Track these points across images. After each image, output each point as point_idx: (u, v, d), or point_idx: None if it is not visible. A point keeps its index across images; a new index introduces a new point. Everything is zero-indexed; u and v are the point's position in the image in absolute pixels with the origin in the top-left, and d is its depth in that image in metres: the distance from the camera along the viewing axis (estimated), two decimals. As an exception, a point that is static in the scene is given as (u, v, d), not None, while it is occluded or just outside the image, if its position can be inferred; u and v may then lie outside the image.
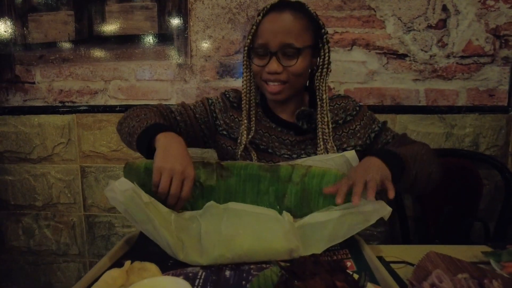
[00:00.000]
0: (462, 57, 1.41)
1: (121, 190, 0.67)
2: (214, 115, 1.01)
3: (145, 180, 0.76)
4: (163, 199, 0.72)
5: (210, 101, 1.02)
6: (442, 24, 1.39)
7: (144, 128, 0.81)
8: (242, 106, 0.96)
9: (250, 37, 0.90)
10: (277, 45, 0.86)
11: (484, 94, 1.43)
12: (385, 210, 0.70)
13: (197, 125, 1.00)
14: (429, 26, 1.39)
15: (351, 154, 0.85)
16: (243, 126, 0.95)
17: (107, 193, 0.68)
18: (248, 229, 0.68)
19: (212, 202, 0.70)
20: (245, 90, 0.96)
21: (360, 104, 1.01)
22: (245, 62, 0.94)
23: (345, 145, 0.97)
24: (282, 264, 0.55)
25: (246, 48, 0.92)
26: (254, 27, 0.89)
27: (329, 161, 0.84)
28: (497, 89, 1.43)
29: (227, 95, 1.03)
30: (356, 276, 0.54)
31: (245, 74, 0.95)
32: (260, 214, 0.70)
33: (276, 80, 0.89)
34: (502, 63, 1.40)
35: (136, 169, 0.78)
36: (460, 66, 1.42)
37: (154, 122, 0.83)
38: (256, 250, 0.68)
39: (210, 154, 1.54)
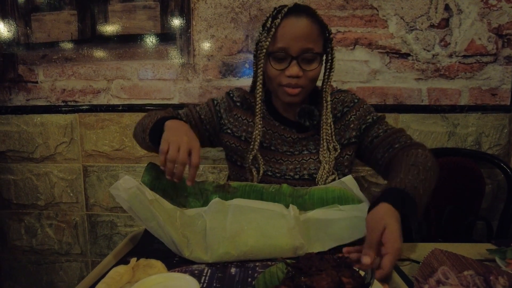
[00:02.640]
0: (464, 56, 1.41)
1: (125, 188, 0.68)
2: (219, 114, 1.03)
3: (160, 183, 0.82)
4: (171, 169, 0.74)
5: (215, 101, 1.04)
6: (444, 24, 1.40)
7: (154, 121, 0.88)
8: (256, 110, 0.94)
9: (269, 40, 0.87)
10: (298, 50, 0.87)
11: (486, 93, 1.43)
12: None
13: (201, 125, 1.03)
14: (432, 26, 1.40)
15: (348, 179, 0.86)
16: (256, 131, 0.94)
17: (112, 191, 0.68)
18: (252, 225, 0.68)
19: (217, 199, 0.71)
20: (259, 94, 0.93)
21: (359, 98, 1.01)
22: (261, 65, 0.91)
23: (342, 139, 0.97)
24: (288, 261, 0.55)
25: (263, 51, 0.88)
26: (273, 29, 0.87)
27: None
28: (500, 88, 1.43)
29: (231, 95, 1.04)
30: (362, 273, 0.54)
31: (259, 77, 0.92)
32: (265, 210, 0.70)
33: (296, 84, 0.89)
34: (505, 62, 1.40)
35: (155, 171, 0.84)
36: (462, 65, 1.42)
37: (162, 116, 0.90)
38: (260, 247, 0.68)
39: (213, 154, 1.54)
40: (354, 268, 0.53)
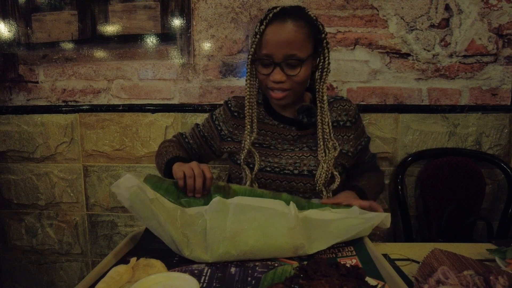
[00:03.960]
0: (465, 56, 1.41)
1: (126, 186, 0.68)
2: (219, 128, 1.08)
3: (162, 184, 0.81)
4: (192, 185, 0.80)
5: (214, 116, 1.11)
6: (444, 23, 1.40)
7: (165, 163, 0.96)
8: (245, 111, 0.98)
9: (254, 46, 0.91)
10: (281, 56, 0.88)
11: (487, 93, 1.43)
12: (383, 215, 0.74)
13: (205, 143, 1.12)
14: (432, 25, 1.40)
15: None
16: (246, 132, 0.98)
17: (113, 189, 0.69)
18: (253, 224, 0.68)
19: (218, 198, 0.71)
20: (248, 96, 0.97)
21: (357, 112, 1.06)
22: (248, 69, 0.96)
23: (340, 147, 1.00)
24: (305, 263, 0.56)
25: (250, 56, 0.93)
26: (258, 36, 0.90)
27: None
28: (500, 88, 1.43)
29: (229, 105, 1.08)
30: (374, 281, 0.53)
31: (248, 80, 0.97)
32: (266, 208, 0.70)
33: (280, 89, 0.92)
34: (505, 62, 1.40)
35: (156, 178, 0.83)
36: (463, 65, 1.42)
37: (171, 156, 0.97)
38: (260, 247, 0.68)
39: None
40: (366, 281, 0.52)
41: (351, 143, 1.02)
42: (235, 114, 1.05)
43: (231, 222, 0.68)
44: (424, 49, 1.41)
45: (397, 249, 0.80)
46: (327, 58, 0.94)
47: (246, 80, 0.97)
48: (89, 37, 1.53)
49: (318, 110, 0.96)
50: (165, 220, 0.67)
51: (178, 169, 0.85)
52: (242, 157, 0.98)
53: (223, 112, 1.09)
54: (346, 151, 1.02)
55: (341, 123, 1.01)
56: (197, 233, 0.69)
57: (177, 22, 1.48)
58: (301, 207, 0.81)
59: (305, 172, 0.96)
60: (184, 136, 1.15)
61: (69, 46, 1.54)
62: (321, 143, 0.96)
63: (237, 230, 0.67)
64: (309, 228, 0.71)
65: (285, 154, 0.99)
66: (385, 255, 0.73)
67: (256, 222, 0.68)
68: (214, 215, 0.69)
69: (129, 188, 0.67)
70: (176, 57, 1.51)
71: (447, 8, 1.38)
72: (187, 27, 1.48)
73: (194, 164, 0.84)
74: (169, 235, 0.67)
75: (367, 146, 1.10)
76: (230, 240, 0.67)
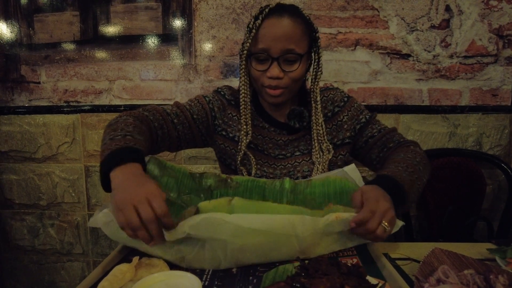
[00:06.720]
0: (465, 57, 1.41)
1: (104, 222, 0.66)
2: (213, 114, 0.98)
3: (164, 172, 0.78)
4: (145, 236, 0.59)
5: (207, 99, 0.98)
6: (445, 24, 1.40)
7: (105, 155, 0.69)
8: (241, 110, 0.94)
9: (249, 41, 0.87)
10: (278, 51, 0.85)
11: (487, 94, 1.44)
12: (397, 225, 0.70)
13: (195, 126, 0.96)
14: (432, 26, 1.40)
15: (351, 169, 0.84)
16: (242, 132, 0.94)
17: (91, 225, 0.67)
18: (256, 252, 0.65)
19: (207, 216, 0.60)
20: (243, 94, 0.93)
21: (349, 95, 1.00)
22: (243, 66, 0.91)
23: (335, 139, 0.96)
24: (306, 262, 0.56)
25: (244, 52, 0.89)
26: (254, 31, 0.86)
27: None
28: (500, 89, 1.43)
29: (222, 93, 1.00)
30: (374, 280, 0.53)
31: (243, 78, 0.92)
32: (271, 233, 0.63)
33: (277, 85, 0.88)
34: (505, 63, 1.41)
35: (158, 162, 0.79)
36: (463, 66, 1.42)
37: (119, 146, 0.70)
38: (263, 263, 0.67)
39: (214, 154, 1.54)
40: (366, 279, 0.52)
41: (345, 126, 0.96)
42: (232, 102, 0.98)
43: (231, 250, 0.63)
44: (425, 49, 1.42)
45: (398, 249, 0.80)
46: (321, 59, 0.92)
47: (240, 78, 0.92)
48: (90, 38, 1.54)
49: (313, 111, 0.93)
50: (152, 249, 0.65)
51: (115, 203, 0.60)
52: (239, 159, 0.94)
53: (218, 99, 0.98)
54: (342, 140, 0.96)
55: (329, 114, 0.97)
56: (194, 249, 0.64)
57: (178, 23, 1.49)
58: (302, 194, 0.79)
59: (300, 179, 0.94)
60: (166, 113, 0.92)
61: (71, 46, 1.55)
62: (316, 144, 0.93)
63: (239, 257, 0.65)
64: (315, 238, 0.69)
65: (279, 164, 0.95)
66: (385, 255, 0.73)
67: (260, 250, 0.65)
68: (210, 246, 0.63)
69: (107, 223, 0.65)
70: (177, 58, 1.51)
71: (447, 9, 1.39)
72: (189, 28, 1.49)
73: (138, 200, 0.59)
74: (161, 258, 0.66)
75: (371, 121, 0.96)
76: (233, 261, 0.65)
